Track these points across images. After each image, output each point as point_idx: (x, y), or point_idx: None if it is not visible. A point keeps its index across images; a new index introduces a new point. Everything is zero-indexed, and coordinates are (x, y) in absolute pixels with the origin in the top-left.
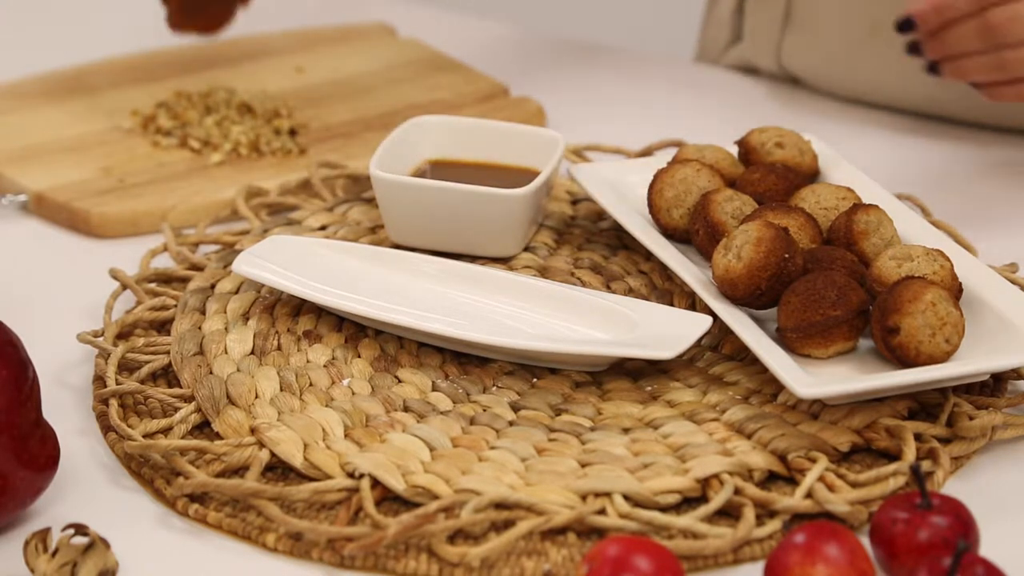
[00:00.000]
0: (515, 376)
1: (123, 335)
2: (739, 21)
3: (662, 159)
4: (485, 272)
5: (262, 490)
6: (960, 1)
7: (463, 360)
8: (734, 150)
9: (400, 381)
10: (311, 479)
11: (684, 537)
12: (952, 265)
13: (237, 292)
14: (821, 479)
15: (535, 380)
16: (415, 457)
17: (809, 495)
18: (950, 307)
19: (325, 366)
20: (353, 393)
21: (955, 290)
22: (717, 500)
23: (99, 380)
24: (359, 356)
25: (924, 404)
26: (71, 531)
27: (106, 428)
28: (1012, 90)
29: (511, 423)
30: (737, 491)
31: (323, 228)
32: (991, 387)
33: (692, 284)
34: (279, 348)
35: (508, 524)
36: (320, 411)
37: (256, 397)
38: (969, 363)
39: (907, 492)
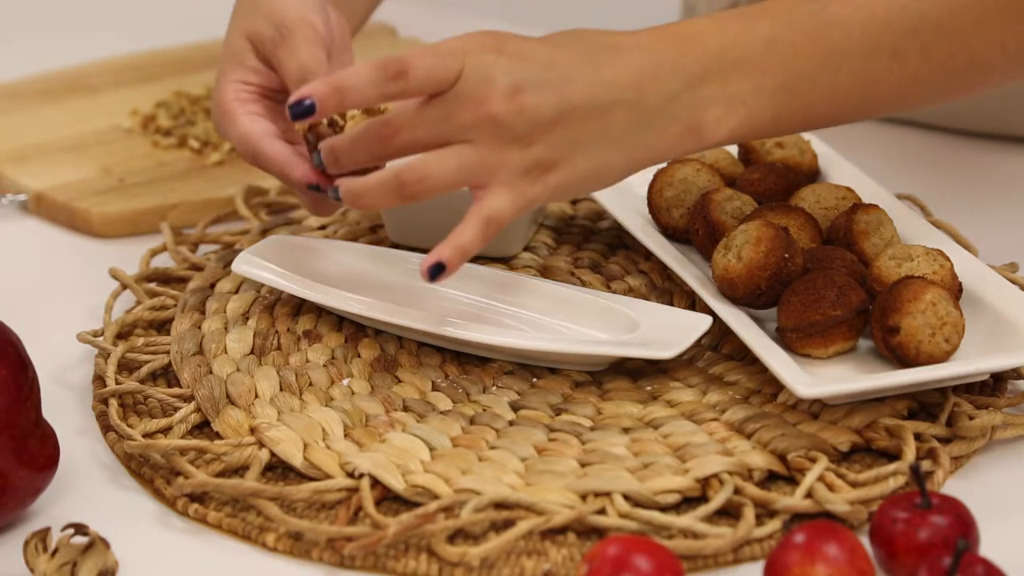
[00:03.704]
0: (515, 376)
1: (123, 335)
2: None
3: None
4: (485, 272)
5: (262, 490)
6: (364, 84)
7: (463, 360)
8: (734, 150)
9: (400, 381)
10: (311, 479)
11: (684, 537)
12: (952, 265)
13: (237, 292)
14: (821, 479)
15: (535, 380)
16: (415, 457)
17: (809, 495)
18: (950, 307)
19: (325, 366)
20: (353, 393)
21: (955, 290)
22: (717, 500)
23: (99, 380)
24: (359, 356)
25: (924, 404)
26: (71, 531)
27: (106, 428)
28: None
29: (511, 423)
30: (737, 491)
31: (323, 228)
32: (991, 387)
33: (692, 284)
34: (279, 348)
35: (508, 524)
36: (320, 411)
37: (256, 397)
38: (969, 363)
39: (907, 492)
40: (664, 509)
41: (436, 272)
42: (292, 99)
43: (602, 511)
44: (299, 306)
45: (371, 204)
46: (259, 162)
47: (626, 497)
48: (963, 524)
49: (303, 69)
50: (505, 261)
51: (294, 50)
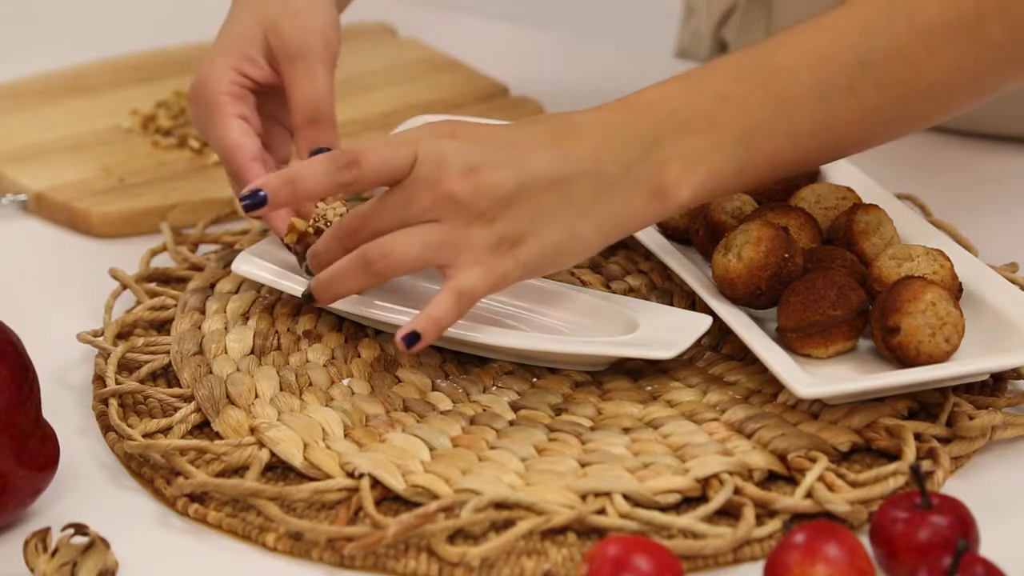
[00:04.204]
0: (515, 376)
1: (123, 335)
2: (720, 35)
3: None
4: None
5: (262, 490)
6: (316, 174)
7: (463, 360)
8: None
9: (400, 381)
10: (311, 479)
11: (684, 537)
12: (952, 265)
13: (237, 292)
14: (821, 479)
15: (535, 380)
16: (415, 457)
17: (809, 495)
18: (950, 307)
19: (325, 366)
20: (353, 393)
21: (955, 290)
22: (717, 500)
23: (99, 380)
24: (359, 356)
25: (924, 404)
26: (71, 531)
27: (106, 428)
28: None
29: (511, 423)
30: (737, 491)
31: None
32: (991, 387)
33: (692, 284)
34: (279, 348)
35: (508, 524)
36: (320, 411)
37: (256, 397)
38: (969, 363)
39: (907, 492)
40: (664, 509)
41: (412, 341)
42: (245, 191)
43: (602, 511)
44: (299, 306)
45: (340, 287)
46: (240, 180)
47: (626, 497)
48: (963, 524)
49: (314, 104)
50: None
51: (311, 73)
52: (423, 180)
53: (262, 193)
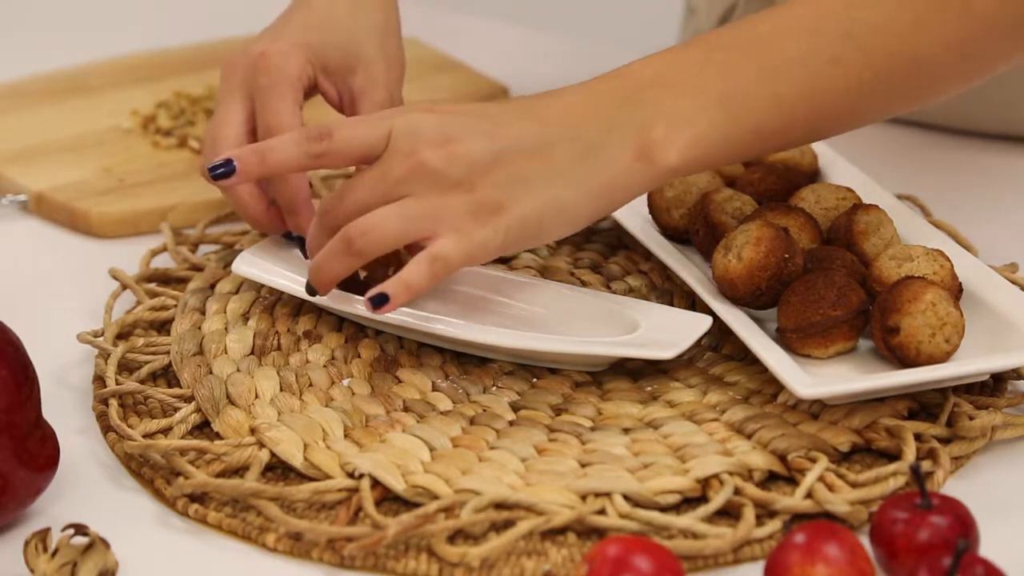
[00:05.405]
0: (515, 376)
1: (123, 335)
2: None
3: None
4: (485, 272)
5: (262, 490)
6: (287, 145)
7: (463, 360)
8: None
9: (400, 381)
10: (311, 479)
11: (684, 537)
12: (952, 265)
13: (237, 292)
14: (821, 479)
15: (535, 380)
16: (415, 457)
17: (809, 495)
18: (950, 307)
19: (325, 366)
20: (353, 393)
21: (955, 290)
22: (717, 500)
23: (99, 380)
24: (359, 356)
25: (924, 404)
26: (71, 531)
27: (106, 428)
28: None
29: (511, 423)
30: (737, 491)
31: None
32: (991, 387)
33: (692, 284)
34: (279, 348)
35: (508, 524)
36: (320, 411)
37: (256, 397)
38: (969, 363)
39: (907, 492)
40: (664, 509)
41: (379, 302)
42: (217, 160)
43: (602, 511)
44: (299, 306)
45: (329, 271)
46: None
47: (626, 497)
48: (963, 524)
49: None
50: (505, 261)
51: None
52: (397, 151)
53: (232, 164)
